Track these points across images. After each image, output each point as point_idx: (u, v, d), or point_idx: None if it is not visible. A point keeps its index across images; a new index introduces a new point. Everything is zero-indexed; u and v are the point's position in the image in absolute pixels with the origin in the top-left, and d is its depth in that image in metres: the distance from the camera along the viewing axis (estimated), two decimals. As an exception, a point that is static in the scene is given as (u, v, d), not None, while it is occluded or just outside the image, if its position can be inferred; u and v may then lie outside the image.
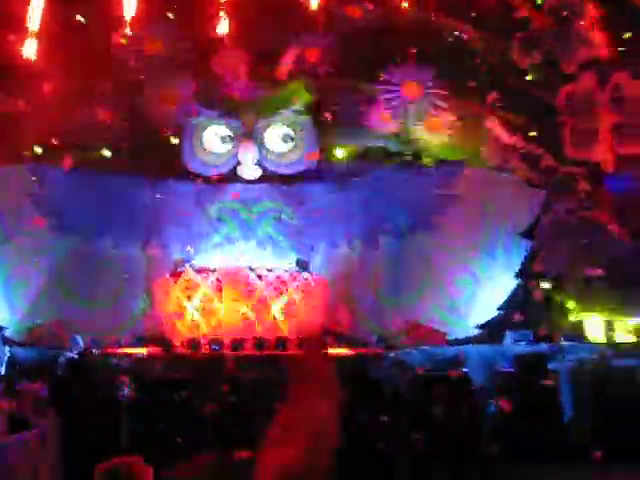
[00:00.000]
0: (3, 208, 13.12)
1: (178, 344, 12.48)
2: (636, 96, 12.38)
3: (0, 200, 13.12)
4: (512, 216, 13.00)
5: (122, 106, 13.99)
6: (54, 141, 14.24)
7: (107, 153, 14.27)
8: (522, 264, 12.92)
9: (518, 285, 12.89)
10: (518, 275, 12.92)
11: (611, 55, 12.44)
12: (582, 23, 12.54)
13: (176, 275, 13.37)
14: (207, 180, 14.35)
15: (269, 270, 13.37)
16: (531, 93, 13.27)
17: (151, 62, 14.15)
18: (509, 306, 12.79)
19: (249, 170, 14.08)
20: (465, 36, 13.99)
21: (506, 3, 13.70)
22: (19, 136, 13.54)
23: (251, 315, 13.03)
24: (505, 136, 13.02)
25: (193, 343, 12.26)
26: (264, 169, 14.17)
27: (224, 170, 14.25)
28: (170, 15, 14.66)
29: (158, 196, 13.98)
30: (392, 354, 11.51)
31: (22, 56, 13.52)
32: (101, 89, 14.17)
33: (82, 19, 14.53)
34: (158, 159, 14.21)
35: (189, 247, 13.77)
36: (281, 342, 12.45)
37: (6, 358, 11.19)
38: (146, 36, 14.12)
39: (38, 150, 14.07)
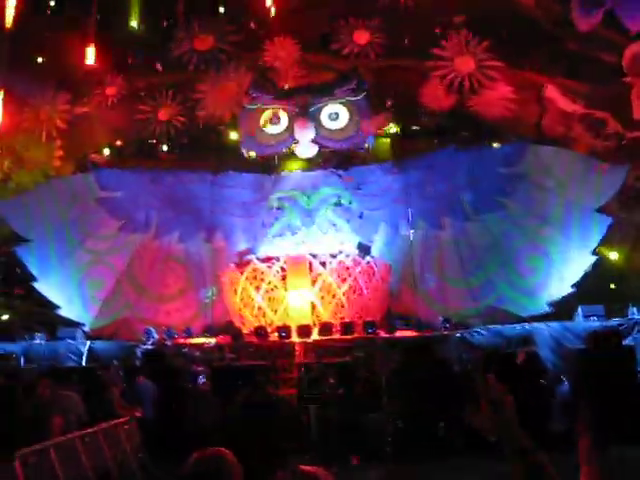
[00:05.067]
0: (72, 216, 13.75)
1: (246, 332, 12.76)
2: None
3: (68, 208, 13.74)
4: (590, 192, 12.42)
5: (180, 103, 14.36)
6: (118, 142, 14.80)
7: (166, 149, 14.67)
8: (600, 240, 12.41)
9: (595, 261, 12.42)
10: (595, 252, 12.43)
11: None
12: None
13: (242, 265, 13.64)
14: (266, 169, 14.54)
15: (332, 256, 13.42)
16: (593, 57, 12.66)
17: (204, 57, 14.44)
18: (584, 282, 12.32)
19: (306, 148, 14.18)
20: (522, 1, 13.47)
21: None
22: (84, 141, 14.16)
23: (316, 301, 13.16)
24: (566, 104, 12.51)
25: (261, 331, 12.49)
26: (320, 146, 14.22)
27: (280, 149, 14.41)
28: (221, 9, 14.89)
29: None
30: (458, 334, 11.37)
31: (84, 63, 14.09)
32: (158, 87, 14.59)
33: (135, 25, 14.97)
34: (217, 153, 14.53)
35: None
36: (348, 327, 12.51)
37: (85, 351, 11.82)
38: (197, 32, 14.40)
39: (105, 151, 14.64)
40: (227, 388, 9.91)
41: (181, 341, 12.46)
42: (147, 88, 14.42)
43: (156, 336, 12.44)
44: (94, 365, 11.12)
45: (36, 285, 13.35)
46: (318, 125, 14.09)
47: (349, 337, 12.27)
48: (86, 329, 13.16)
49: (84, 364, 11.60)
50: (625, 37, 12.56)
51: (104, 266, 13.73)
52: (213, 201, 14.24)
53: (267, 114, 14.32)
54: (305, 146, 14.14)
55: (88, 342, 12.15)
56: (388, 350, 11.54)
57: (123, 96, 14.30)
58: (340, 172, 14.25)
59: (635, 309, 10.99)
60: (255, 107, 14.31)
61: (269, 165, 14.66)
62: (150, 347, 12.00)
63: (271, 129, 14.31)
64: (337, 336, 12.37)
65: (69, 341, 12.14)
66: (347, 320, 12.81)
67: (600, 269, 12.29)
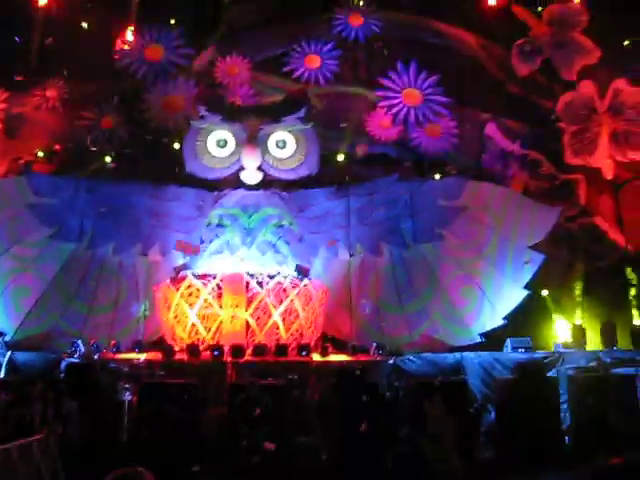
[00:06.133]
0: (0, 219, 13.18)
1: (178, 349, 12.49)
2: (636, 102, 12.42)
3: None
4: (524, 230, 12.85)
5: (124, 112, 14.10)
6: (56, 147, 14.34)
7: (108, 159, 14.33)
8: (533, 275, 12.81)
9: (526, 295, 12.81)
10: (527, 286, 12.82)
11: (610, 62, 12.51)
12: (580, 31, 12.62)
13: (177, 281, 13.37)
14: (207, 186, 14.38)
15: (270, 277, 13.34)
16: (531, 100, 13.33)
17: (152, 68, 14.29)
18: (515, 315, 12.74)
19: (251, 175, 14.08)
20: (466, 44, 14.08)
21: (507, 11, 13.82)
22: (19, 143, 13.66)
23: (251, 321, 13.03)
24: (505, 143, 13.09)
25: (193, 349, 12.24)
26: (265, 174, 14.15)
27: (226, 174, 14.24)
28: (172, 21, 14.82)
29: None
30: (391, 361, 11.51)
31: (27, 62, 13.68)
32: (103, 95, 14.31)
33: (85, 25, 14.69)
34: (159, 165, 14.30)
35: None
36: (281, 349, 12.44)
37: (5, 362, 11.27)
38: (147, 42, 14.26)
39: (40, 154, 14.13)
40: (155, 405, 9.64)
41: (109, 356, 12.05)
42: (91, 94, 14.09)
43: (83, 349, 12.00)
44: (17, 378, 10.61)
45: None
46: (265, 152, 14.01)
47: (282, 359, 12.20)
48: (7, 339, 12.54)
49: (2, 376, 11.07)
50: (560, 85, 13.33)
51: (32, 274, 13.14)
52: (152, 214, 13.96)
53: (216, 136, 14.11)
54: (251, 173, 14.03)
55: (9, 353, 11.59)
56: (321, 374, 11.55)
57: (64, 100, 13.91)
58: (283, 194, 14.26)
59: (559, 343, 11.49)
60: (203, 126, 14.13)
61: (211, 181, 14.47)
62: (76, 360, 11.56)
63: (217, 152, 14.13)
64: (270, 357, 12.28)
65: (-8, 353, 11.56)
66: (282, 342, 12.74)
67: (530, 304, 12.77)
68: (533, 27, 13.48)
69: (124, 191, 13.98)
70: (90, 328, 13.06)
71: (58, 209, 13.59)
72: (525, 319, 12.65)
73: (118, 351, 12.38)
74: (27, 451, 7.62)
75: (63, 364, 11.23)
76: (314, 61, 13.87)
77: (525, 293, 12.75)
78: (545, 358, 10.88)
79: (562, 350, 11.12)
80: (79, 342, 12.05)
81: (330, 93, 14.24)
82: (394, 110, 13.75)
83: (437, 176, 13.81)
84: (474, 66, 13.75)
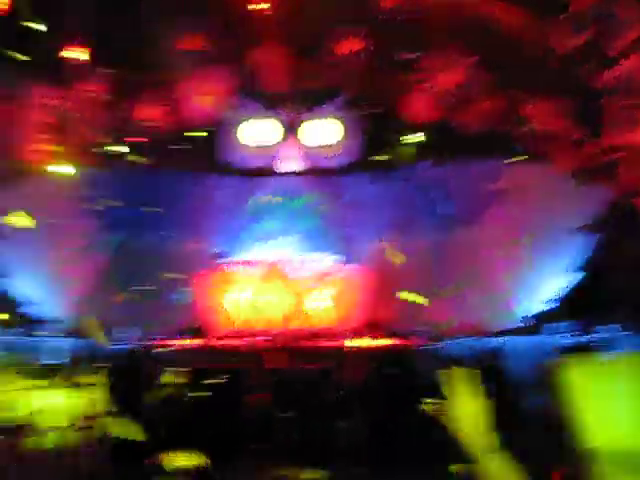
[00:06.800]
0: (51, 212, 13.58)
1: (220, 336, 12.73)
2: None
3: (47, 204, 13.57)
4: (568, 212, 12.59)
5: (161, 103, 14.26)
6: (101, 139, 14.64)
7: (149, 149, 14.55)
8: (576, 258, 12.54)
9: (570, 278, 12.55)
10: (569, 270, 12.55)
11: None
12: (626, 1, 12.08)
13: (217, 268, 13.60)
14: (247, 173, 14.50)
15: (310, 262, 13.43)
16: (574, 76, 12.87)
17: (189, 57, 14.38)
18: (559, 298, 12.49)
19: (291, 163, 14.14)
20: (507, 20, 13.68)
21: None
22: (67, 138, 14.00)
23: (293, 307, 13.16)
24: (546, 123, 12.71)
25: (235, 335, 12.46)
26: (305, 162, 14.19)
27: (265, 163, 14.33)
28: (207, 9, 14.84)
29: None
30: (431, 346, 11.48)
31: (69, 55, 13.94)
32: (142, 85, 14.49)
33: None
34: (199, 154, 14.46)
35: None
36: (322, 334, 12.54)
37: (60, 349, 11.74)
38: (184, 31, 14.33)
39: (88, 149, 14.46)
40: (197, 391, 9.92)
41: (152, 342, 12.38)
42: (126, 86, 14.30)
43: (128, 336, 12.37)
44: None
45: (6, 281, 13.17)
46: (305, 139, 14.04)
47: (323, 344, 12.31)
48: (61, 327, 13.04)
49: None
50: (606, 59, 12.81)
51: (82, 264, 13.57)
52: (193, 202, 14.19)
53: (256, 125, 14.18)
54: (290, 161, 14.08)
55: (63, 339, 12.07)
56: (362, 359, 11.62)
57: (102, 93, 14.17)
58: (324, 180, 14.27)
59: (603, 327, 11.21)
60: (242, 115, 14.22)
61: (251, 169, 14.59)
62: (121, 347, 11.94)
63: (258, 141, 14.23)
64: (312, 343, 12.39)
65: (45, 339, 12.08)
66: (322, 327, 12.84)
67: (573, 287, 12.49)
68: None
69: (165, 181, 14.24)
70: (135, 315, 13.43)
71: (104, 201, 13.95)
72: (569, 302, 12.37)
73: (162, 338, 12.71)
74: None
75: (109, 351, 11.62)
76: (349, 46, 13.71)
77: (568, 277, 12.47)
78: (590, 342, 10.66)
79: (606, 334, 10.83)
80: (124, 329, 12.42)
81: (366, 77, 14.05)
82: (434, 91, 13.50)
83: (476, 158, 13.55)
84: (515, 43, 13.33)
